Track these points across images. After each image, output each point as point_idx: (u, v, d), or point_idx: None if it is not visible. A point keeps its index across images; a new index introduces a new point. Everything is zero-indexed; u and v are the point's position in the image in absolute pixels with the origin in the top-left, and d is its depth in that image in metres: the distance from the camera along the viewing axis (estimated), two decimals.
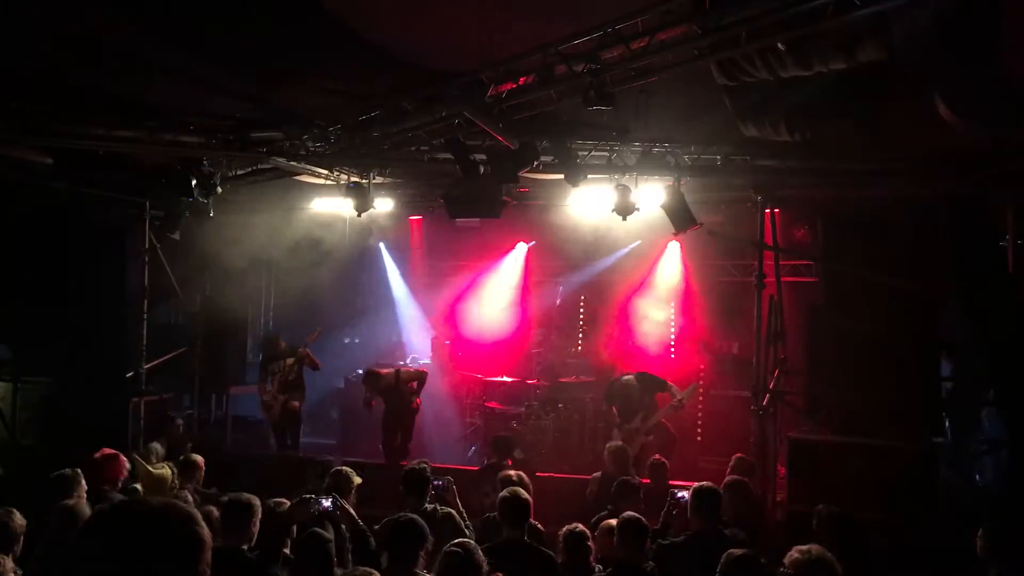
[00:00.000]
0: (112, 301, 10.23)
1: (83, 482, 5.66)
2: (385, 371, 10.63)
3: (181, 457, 7.52)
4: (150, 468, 7.02)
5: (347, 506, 5.28)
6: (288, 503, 5.22)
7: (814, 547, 4.02)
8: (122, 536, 1.54)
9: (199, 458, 7.29)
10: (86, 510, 4.91)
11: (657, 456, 8.32)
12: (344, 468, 6.24)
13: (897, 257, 7.90)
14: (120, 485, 6.45)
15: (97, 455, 6.49)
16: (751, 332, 9.62)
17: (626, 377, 10.11)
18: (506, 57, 6.61)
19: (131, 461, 6.95)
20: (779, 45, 5.64)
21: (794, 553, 3.98)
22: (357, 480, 6.06)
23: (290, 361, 10.48)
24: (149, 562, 1.52)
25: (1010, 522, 4.72)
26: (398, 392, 10.48)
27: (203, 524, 1.60)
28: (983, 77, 5.07)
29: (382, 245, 14.16)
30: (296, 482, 6.94)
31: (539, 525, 5.79)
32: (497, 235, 12.91)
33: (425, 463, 6.42)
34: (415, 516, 4.61)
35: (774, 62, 6.18)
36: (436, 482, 5.95)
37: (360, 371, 10.88)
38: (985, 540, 4.67)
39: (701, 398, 11.72)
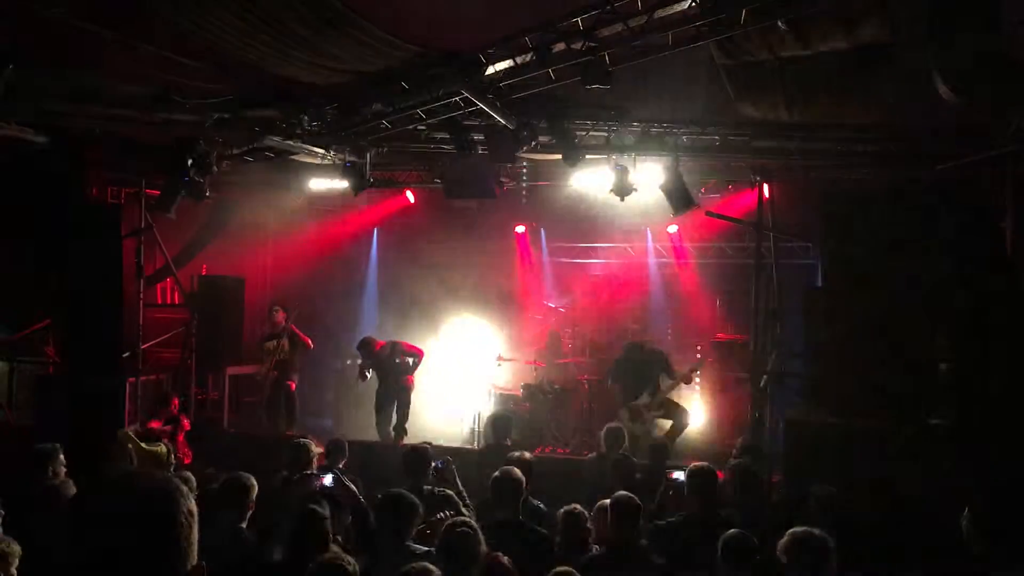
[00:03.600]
0: (108, 280, 10.18)
1: (61, 456, 5.67)
2: (381, 343, 10.61)
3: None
4: (144, 445, 7.03)
5: (348, 483, 5.29)
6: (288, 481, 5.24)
7: (809, 529, 4.03)
8: (100, 513, 1.56)
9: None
10: (70, 487, 4.92)
11: (658, 437, 8.34)
12: (302, 440, 6.28)
13: (896, 238, 7.87)
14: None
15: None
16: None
17: (630, 351, 10.01)
18: (504, 35, 6.56)
19: (126, 439, 6.96)
20: (779, 24, 5.59)
21: (789, 534, 3.99)
22: (317, 451, 6.15)
23: (282, 341, 10.46)
24: (129, 537, 1.54)
25: (995, 504, 4.73)
26: (392, 366, 10.44)
27: (187, 499, 1.61)
28: (984, 55, 5.03)
29: (376, 231, 14.15)
30: (292, 462, 6.93)
31: (541, 505, 5.80)
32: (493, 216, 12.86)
33: (428, 444, 6.42)
34: (404, 491, 4.62)
35: (774, 41, 6.14)
36: (436, 463, 5.96)
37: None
38: (970, 521, 4.69)
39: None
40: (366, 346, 10.48)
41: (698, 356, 10.13)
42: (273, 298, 12.75)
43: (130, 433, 7.27)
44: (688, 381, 9.77)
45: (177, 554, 1.57)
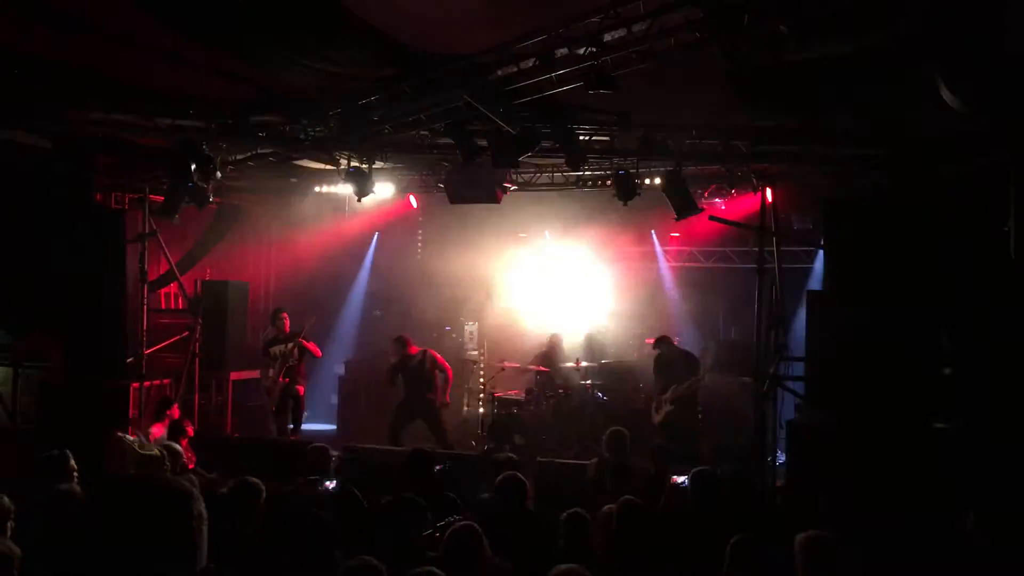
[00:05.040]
0: (112, 285, 10.19)
1: (72, 462, 5.65)
2: (415, 348, 10.35)
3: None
4: (139, 450, 7.02)
5: (352, 488, 5.29)
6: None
7: (817, 531, 4.04)
8: (112, 515, 1.58)
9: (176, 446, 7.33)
10: (78, 491, 4.92)
11: (660, 442, 8.36)
12: (321, 445, 6.30)
13: (898, 242, 7.87)
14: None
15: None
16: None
17: (673, 350, 10.16)
18: (507, 40, 6.57)
19: (121, 444, 6.96)
20: (782, 28, 5.60)
21: (799, 537, 4.01)
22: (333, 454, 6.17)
23: (291, 345, 10.39)
24: (140, 538, 1.56)
25: (998, 505, 4.75)
26: (421, 376, 10.19)
27: (197, 501, 1.62)
28: (988, 60, 5.04)
29: (376, 234, 14.15)
30: (297, 466, 6.93)
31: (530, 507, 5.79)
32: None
33: (430, 447, 6.42)
34: (414, 496, 4.61)
35: (777, 46, 6.14)
36: (439, 467, 5.97)
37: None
38: (972, 522, 4.70)
39: None
40: (402, 343, 10.20)
41: (707, 361, 10.30)
42: (278, 303, 12.78)
43: (128, 438, 7.26)
44: (697, 384, 9.99)
45: (187, 555, 1.58)
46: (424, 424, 10.23)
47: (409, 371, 10.24)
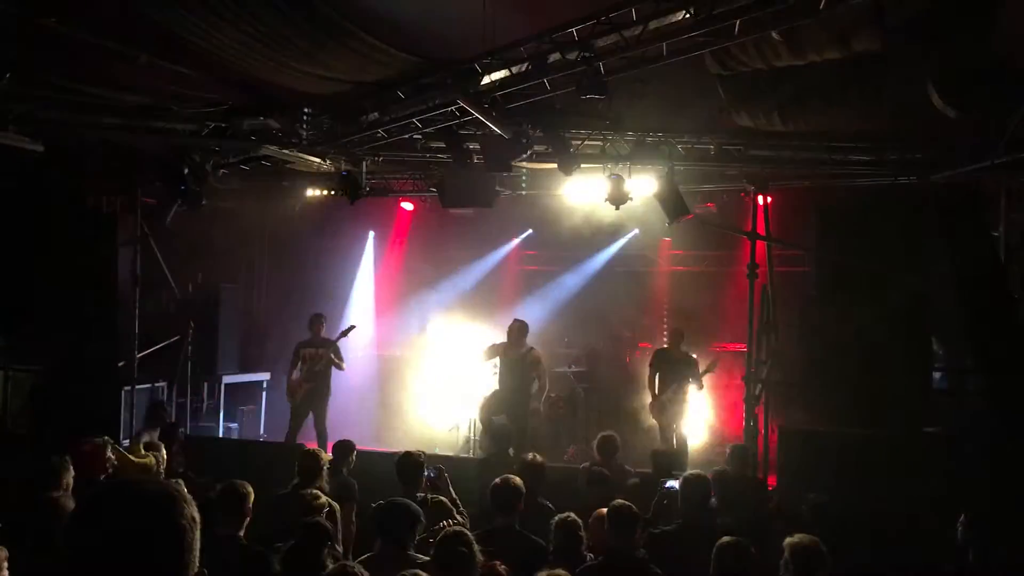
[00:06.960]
0: (104, 289, 10.17)
1: (71, 470, 5.62)
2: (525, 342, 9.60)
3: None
4: (132, 457, 6.99)
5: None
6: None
7: (805, 536, 4.06)
8: (104, 520, 1.57)
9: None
10: (70, 502, 4.89)
11: (660, 448, 8.42)
12: (314, 449, 6.30)
13: (890, 247, 7.92)
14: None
15: (85, 447, 6.46)
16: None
17: (668, 348, 10.20)
18: (500, 45, 6.59)
19: (113, 451, 6.92)
20: (774, 35, 5.64)
21: (787, 542, 4.03)
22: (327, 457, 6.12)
23: (322, 351, 10.21)
24: (132, 544, 1.55)
25: (991, 509, 4.77)
26: (522, 373, 9.54)
27: (190, 505, 1.61)
28: (978, 66, 5.07)
29: (371, 234, 14.11)
30: (290, 471, 6.92)
31: (549, 504, 5.81)
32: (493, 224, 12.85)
33: (422, 452, 6.41)
34: (406, 500, 4.61)
35: (768, 51, 6.18)
36: (429, 471, 5.96)
37: None
38: (966, 526, 4.72)
39: None
40: (524, 329, 9.53)
41: (713, 358, 10.33)
42: (270, 307, 12.75)
43: (118, 447, 7.22)
44: (701, 387, 10.11)
45: (180, 561, 1.57)
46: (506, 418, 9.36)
47: (510, 362, 9.59)
